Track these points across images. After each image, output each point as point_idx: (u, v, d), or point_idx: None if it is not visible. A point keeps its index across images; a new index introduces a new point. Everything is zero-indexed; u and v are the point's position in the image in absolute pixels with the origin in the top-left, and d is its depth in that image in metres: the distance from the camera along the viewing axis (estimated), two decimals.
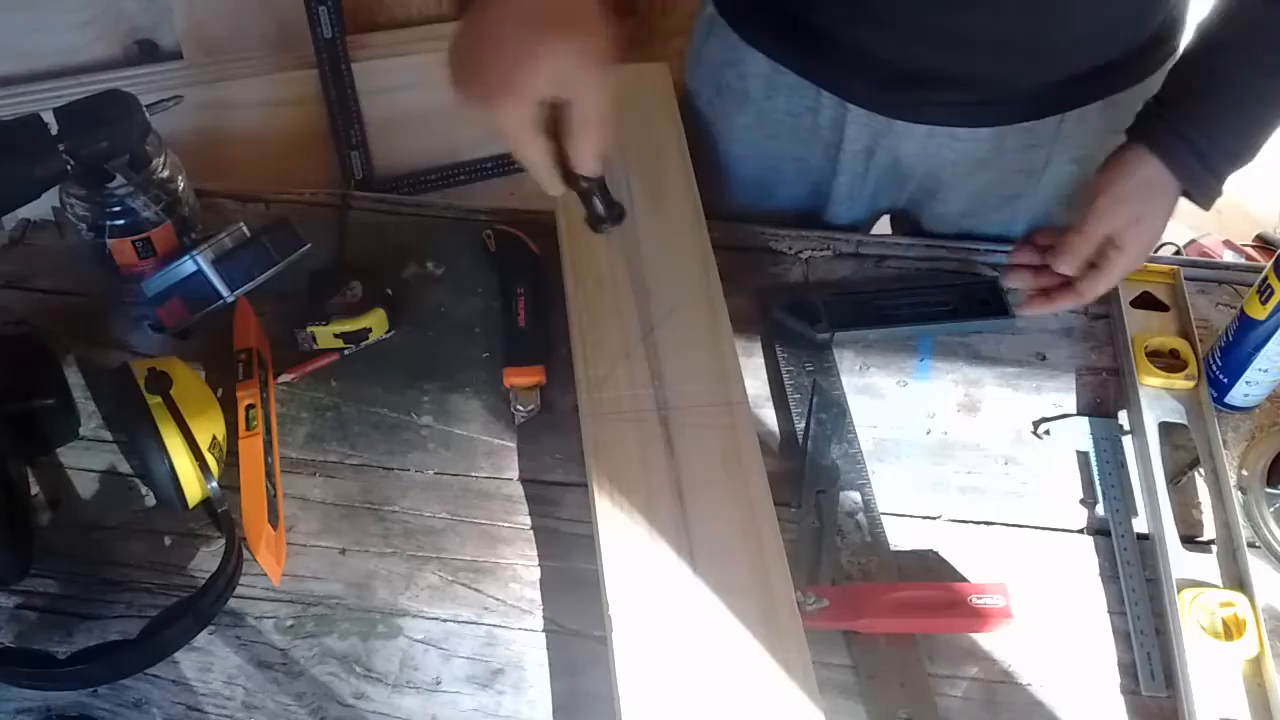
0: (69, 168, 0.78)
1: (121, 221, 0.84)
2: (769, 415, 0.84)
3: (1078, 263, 0.81)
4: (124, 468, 0.80)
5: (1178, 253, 1.92)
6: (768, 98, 0.94)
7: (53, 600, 0.73)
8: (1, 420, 0.74)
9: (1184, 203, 0.81)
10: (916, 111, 0.90)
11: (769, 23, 0.91)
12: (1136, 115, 0.81)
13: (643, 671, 0.66)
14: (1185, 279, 0.92)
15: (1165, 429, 0.83)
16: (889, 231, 1.12)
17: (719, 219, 0.92)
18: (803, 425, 0.82)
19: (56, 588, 0.73)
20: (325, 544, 0.76)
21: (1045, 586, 0.76)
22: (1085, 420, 0.84)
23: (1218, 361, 0.85)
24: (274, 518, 0.75)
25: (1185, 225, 1.99)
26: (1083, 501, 0.81)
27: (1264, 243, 1.97)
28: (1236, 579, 0.76)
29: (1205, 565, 0.76)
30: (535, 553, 0.76)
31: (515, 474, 0.80)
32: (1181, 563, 0.75)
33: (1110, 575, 0.77)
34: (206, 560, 0.75)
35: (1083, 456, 0.83)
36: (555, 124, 0.65)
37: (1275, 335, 0.79)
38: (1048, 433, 0.84)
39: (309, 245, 0.89)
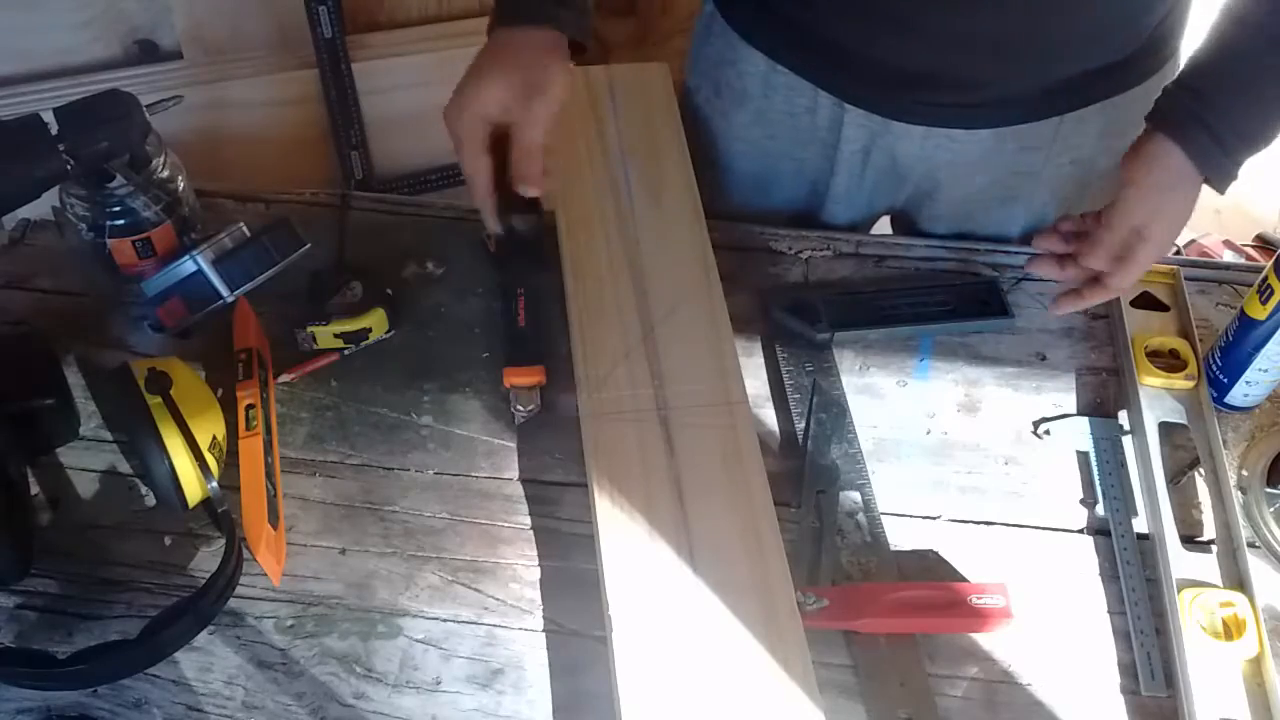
0: (69, 168, 0.78)
1: (121, 221, 0.84)
2: (769, 415, 0.84)
3: (1107, 257, 0.80)
4: (124, 468, 0.80)
5: (1178, 253, 1.92)
6: (766, 97, 0.94)
7: (53, 600, 0.73)
8: (1, 420, 0.74)
9: None
10: (913, 112, 0.89)
11: (768, 21, 0.91)
12: (1156, 101, 0.79)
13: (643, 671, 0.66)
14: (1185, 279, 0.92)
15: (1165, 429, 0.83)
16: (889, 231, 1.12)
17: (718, 218, 0.92)
18: (803, 425, 0.82)
19: (56, 588, 0.73)
20: (325, 544, 0.76)
21: (1045, 586, 0.76)
22: (1085, 420, 0.84)
23: (1218, 361, 0.85)
24: (274, 518, 0.75)
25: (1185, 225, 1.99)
26: (1083, 501, 0.81)
27: (1264, 243, 1.96)
28: (1236, 579, 0.76)
29: (1205, 565, 0.76)
30: (535, 553, 0.76)
31: (515, 474, 0.80)
32: (1181, 563, 0.75)
33: (1110, 575, 0.77)
34: (206, 560, 0.75)
35: (1083, 456, 0.83)
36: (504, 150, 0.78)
37: (1275, 335, 0.79)
38: (1048, 433, 0.84)
39: (309, 245, 0.89)
